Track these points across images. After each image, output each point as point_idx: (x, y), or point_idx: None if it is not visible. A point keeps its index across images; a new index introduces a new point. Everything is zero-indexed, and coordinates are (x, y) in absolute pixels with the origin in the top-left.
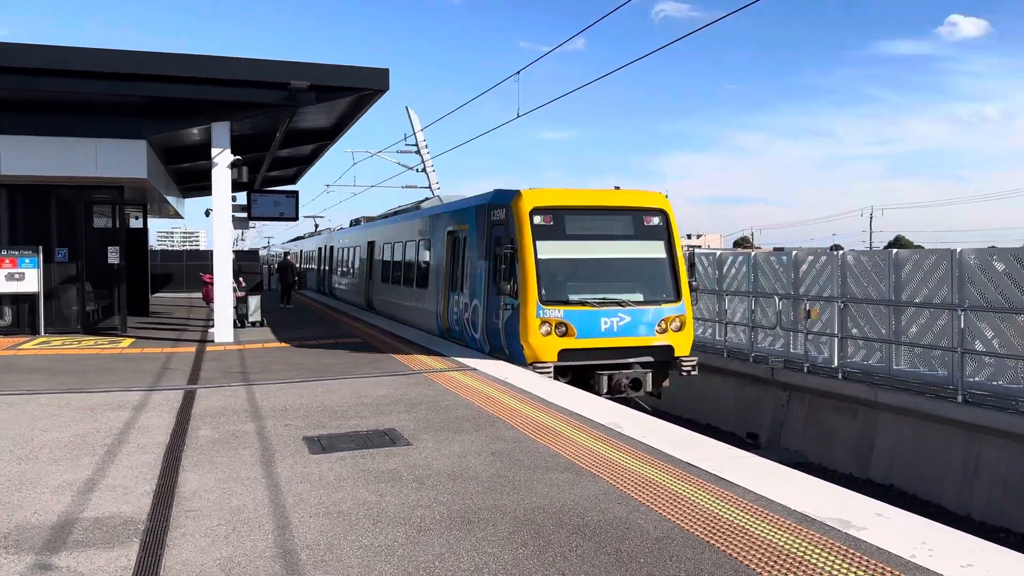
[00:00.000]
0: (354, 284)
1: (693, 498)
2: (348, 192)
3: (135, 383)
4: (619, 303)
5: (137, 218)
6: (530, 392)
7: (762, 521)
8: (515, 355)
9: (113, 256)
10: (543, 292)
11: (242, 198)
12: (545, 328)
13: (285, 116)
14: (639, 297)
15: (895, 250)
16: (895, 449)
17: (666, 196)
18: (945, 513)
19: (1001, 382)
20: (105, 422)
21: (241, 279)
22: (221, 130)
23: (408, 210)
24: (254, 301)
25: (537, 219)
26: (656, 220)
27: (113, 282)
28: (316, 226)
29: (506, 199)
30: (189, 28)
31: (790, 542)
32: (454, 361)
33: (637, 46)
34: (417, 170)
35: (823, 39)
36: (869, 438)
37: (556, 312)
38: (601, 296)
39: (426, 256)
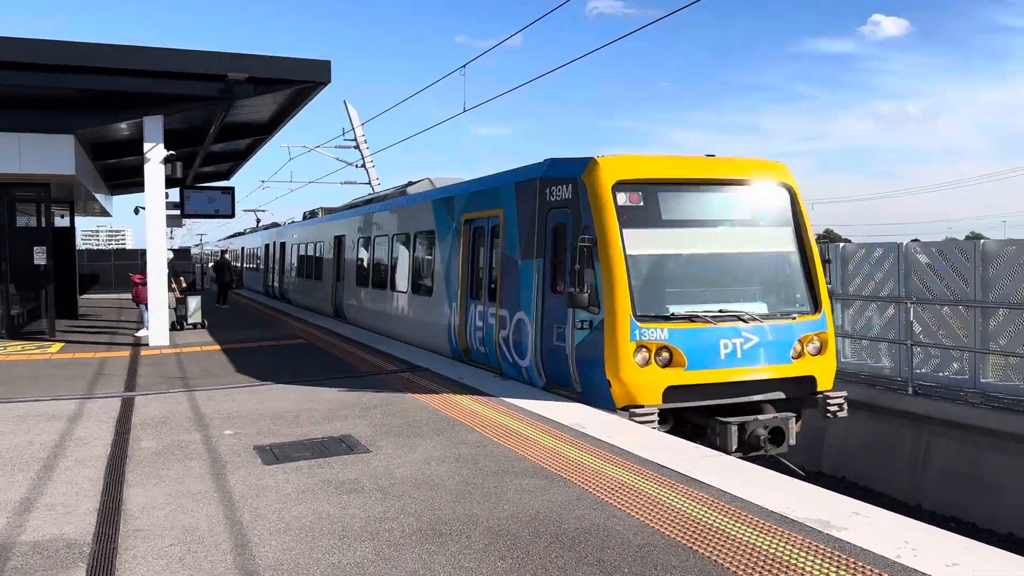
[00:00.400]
0: (316, 287)
1: (669, 501)
2: (285, 188)
3: (68, 391)
4: (739, 317)
5: (63, 216)
6: (486, 392)
7: (742, 524)
8: (595, 394)
9: (39, 257)
10: (638, 303)
11: (174, 195)
12: (642, 355)
13: (221, 109)
14: (763, 308)
15: (842, 244)
16: (846, 441)
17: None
18: (897, 504)
19: (947, 373)
20: (39, 434)
21: (182, 278)
22: (154, 124)
23: (390, 196)
24: (194, 302)
25: (622, 198)
26: (779, 198)
27: (39, 284)
28: (258, 221)
29: (572, 171)
30: (121, 20)
31: (774, 545)
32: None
33: (573, 41)
34: (356, 165)
35: (754, 38)
36: (820, 430)
37: (658, 332)
38: (716, 308)
39: (426, 253)
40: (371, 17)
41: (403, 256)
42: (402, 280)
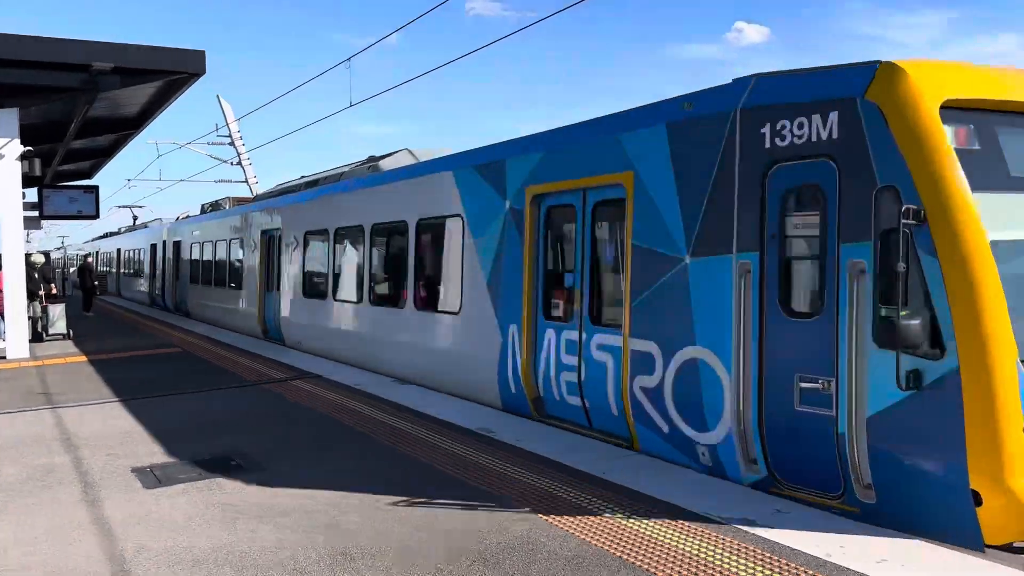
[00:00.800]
0: (234, 299)
1: (591, 507)
2: (153, 187)
3: None
4: None
5: None
6: (386, 399)
7: (669, 528)
8: (928, 513)
9: None
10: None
11: (31, 194)
12: None
13: (84, 102)
14: None
15: None
16: None
17: None
18: None
19: None
20: None
21: (52, 285)
22: (8, 117)
23: (351, 174)
24: (57, 310)
25: (952, 135)
26: None
27: None
28: (135, 219)
29: (838, 86)
30: None
31: (705, 550)
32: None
33: (450, 41)
34: (231, 163)
35: (629, 43)
36: None
37: None
38: None
39: (444, 250)
40: (245, 12)
41: (395, 256)
42: (394, 290)
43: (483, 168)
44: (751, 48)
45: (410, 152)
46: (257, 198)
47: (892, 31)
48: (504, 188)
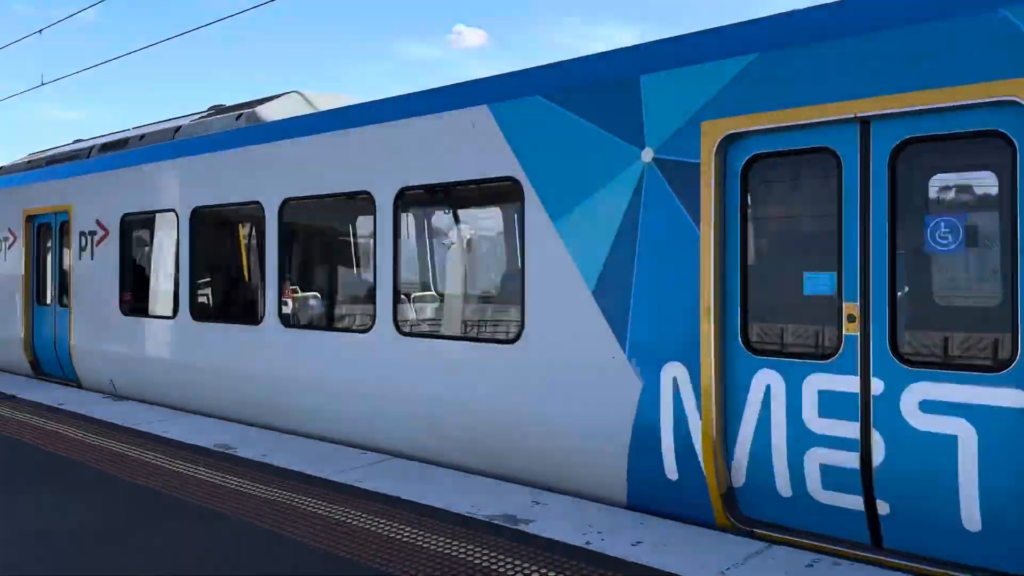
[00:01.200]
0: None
1: (351, 522)
2: None
3: None
4: None
5: None
6: (96, 417)
7: (431, 532)
8: None
9: None
10: None
11: None
12: None
13: None
14: None
15: None
16: None
17: None
18: None
19: None
20: None
21: None
22: None
23: (197, 129)
24: None
25: None
26: None
27: None
28: None
29: None
30: None
31: (468, 551)
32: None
33: (154, 21)
34: None
35: (351, 37)
36: None
37: None
38: None
39: (484, 238)
40: None
41: (357, 247)
42: (352, 304)
43: (577, 96)
44: (469, 51)
45: (302, 96)
46: (3, 171)
47: (590, 42)
48: (638, 127)
